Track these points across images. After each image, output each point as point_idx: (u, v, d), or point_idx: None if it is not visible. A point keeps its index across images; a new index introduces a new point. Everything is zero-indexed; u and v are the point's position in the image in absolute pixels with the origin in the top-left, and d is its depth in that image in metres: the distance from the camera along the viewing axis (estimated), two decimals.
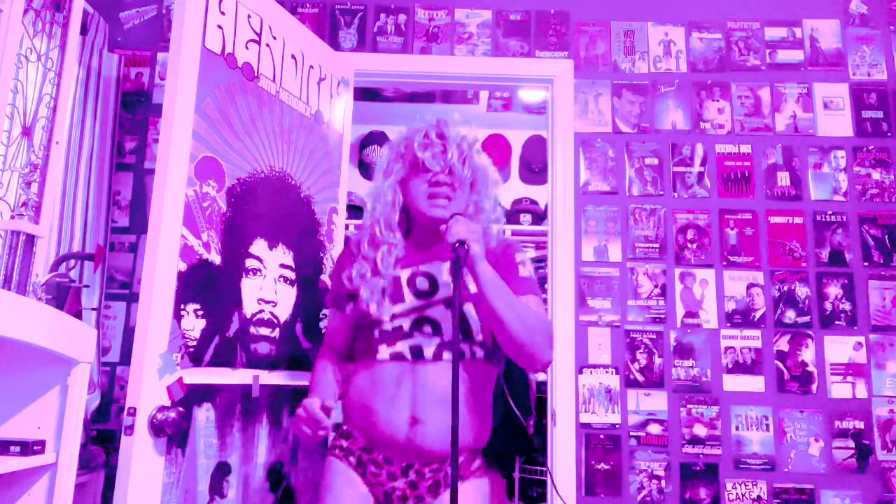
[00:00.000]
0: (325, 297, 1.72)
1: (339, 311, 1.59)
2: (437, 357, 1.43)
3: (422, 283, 1.50)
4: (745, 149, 2.40)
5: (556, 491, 2.10)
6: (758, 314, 2.27)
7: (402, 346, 1.45)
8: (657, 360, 2.24)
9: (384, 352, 1.46)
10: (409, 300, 1.48)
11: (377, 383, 1.45)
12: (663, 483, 2.15)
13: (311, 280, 1.94)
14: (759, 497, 2.13)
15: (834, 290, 2.28)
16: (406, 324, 1.46)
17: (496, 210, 1.59)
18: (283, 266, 1.83)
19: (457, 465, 1.18)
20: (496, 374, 1.52)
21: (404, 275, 1.51)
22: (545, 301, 1.55)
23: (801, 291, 2.28)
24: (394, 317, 1.47)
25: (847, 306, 2.26)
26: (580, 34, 2.51)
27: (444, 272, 1.50)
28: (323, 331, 1.95)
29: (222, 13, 1.69)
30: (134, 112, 2.42)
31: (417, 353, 1.44)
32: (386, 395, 1.42)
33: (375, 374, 1.46)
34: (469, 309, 1.47)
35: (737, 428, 2.18)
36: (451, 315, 1.41)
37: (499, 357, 1.55)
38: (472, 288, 1.40)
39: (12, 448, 1.22)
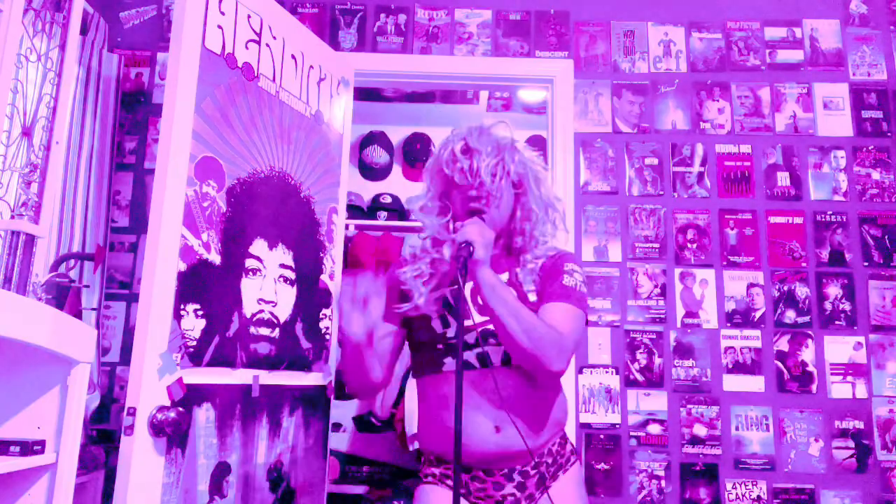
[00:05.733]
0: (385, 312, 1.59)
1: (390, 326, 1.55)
2: (507, 362, 1.41)
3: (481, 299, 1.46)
4: (745, 149, 2.40)
5: None
6: (758, 314, 2.27)
7: (469, 356, 1.42)
8: (657, 360, 2.24)
9: (451, 364, 1.44)
10: (475, 315, 1.44)
11: (450, 398, 1.39)
12: (663, 483, 2.15)
13: (310, 280, 1.94)
14: (758, 497, 2.13)
15: (834, 290, 2.27)
16: (471, 336, 1.42)
17: (549, 212, 1.53)
18: (282, 266, 1.82)
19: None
20: None
21: (467, 289, 1.45)
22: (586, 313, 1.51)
23: (801, 291, 2.27)
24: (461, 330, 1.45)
25: (847, 306, 2.26)
26: (580, 34, 2.51)
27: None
28: (323, 331, 1.96)
29: (222, 13, 1.69)
30: (134, 112, 2.42)
31: (484, 360, 1.41)
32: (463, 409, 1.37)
33: (446, 390, 1.42)
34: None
35: (737, 428, 2.18)
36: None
37: None
38: (532, 297, 1.43)
39: (12, 448, 1.21)
